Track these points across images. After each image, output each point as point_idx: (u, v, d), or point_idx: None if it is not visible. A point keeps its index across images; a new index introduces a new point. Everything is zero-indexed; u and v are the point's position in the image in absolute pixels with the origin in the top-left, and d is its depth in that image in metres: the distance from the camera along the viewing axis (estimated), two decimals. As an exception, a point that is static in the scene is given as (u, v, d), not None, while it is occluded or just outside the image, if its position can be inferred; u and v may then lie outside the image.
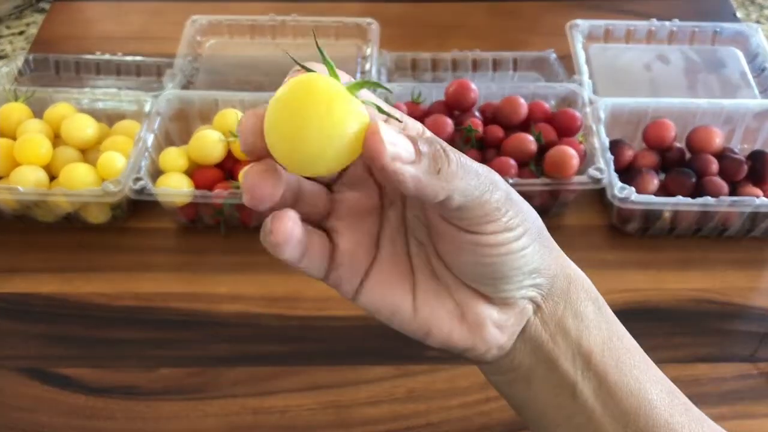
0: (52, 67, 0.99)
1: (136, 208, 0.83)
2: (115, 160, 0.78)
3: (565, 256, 0.42)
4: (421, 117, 0.85)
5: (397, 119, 0.38)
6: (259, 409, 0.66)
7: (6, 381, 0.68)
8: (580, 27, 1.00)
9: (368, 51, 0.98)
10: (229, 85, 0.97)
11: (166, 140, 0.85)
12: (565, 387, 0.41)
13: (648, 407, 0.41)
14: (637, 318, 0.74)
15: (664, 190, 0.81)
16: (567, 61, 0.97)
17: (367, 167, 0.40)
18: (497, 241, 0.37)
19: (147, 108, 0.85)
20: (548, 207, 0.83)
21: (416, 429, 0.65)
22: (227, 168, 0.82)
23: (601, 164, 0.79)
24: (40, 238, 0.81)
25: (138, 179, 0.76)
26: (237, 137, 0.80)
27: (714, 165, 0.81)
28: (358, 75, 0.99)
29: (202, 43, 1.03)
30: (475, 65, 0.99)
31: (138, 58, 0.98)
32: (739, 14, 1.16)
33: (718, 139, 0.83)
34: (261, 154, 0.34)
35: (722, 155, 0.83)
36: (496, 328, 0.40)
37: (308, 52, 1.04)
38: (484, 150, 0.82)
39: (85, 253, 0.78)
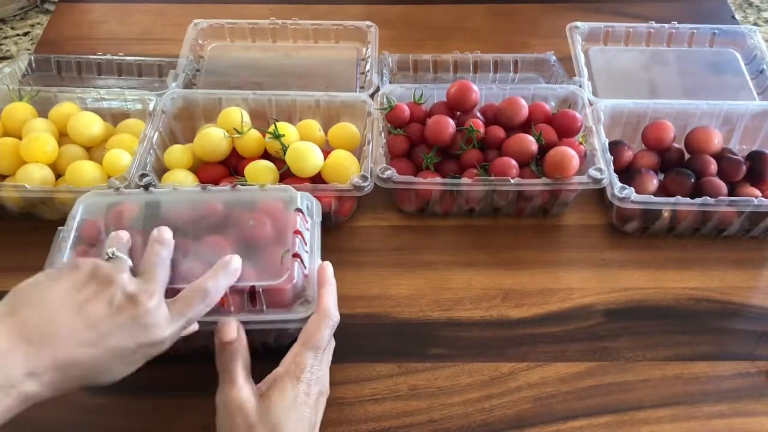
0: (54, 67, 1.00)
1: (141, 207, 0.83)
2: (121, 157, 0.79)
3: None
4: (422, 117, 0.86)
5: None
6: (263, 405, 0.67)
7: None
8: (579, 29, 1.00)
9: (367, 53, 0.99)
10: (230, 86, 0.98)
11: (171, 138, 0.86)
12: None
13: None
14: (637, 317, 0.75)
15: (663, 191, 0.82)
16: (567, 63, 0.98)
17: None
18: None
19: (151, 107, 0.86)
20: (549, 207, 0.84)
21: (418, 426, 0.66)
22: (232, 165, 0.83)
23: (601, 164, 0.79)
24: (46, 237, 0.81)
25: (144, 175, 0.77)
26: (241, 134, 0.82)
27: (713, 165, 0.82)
28: (358, 76, 1.00)
29: (204, 46, 1.03)
30: (476, 67, 1.00)
31: (139, 58, 0.99)
32: (737, 17, 1.17)
33: (716, 140, 0.84)
34: None
35: (721, 156, 0.84)
36: None
37: (309, 53, 1.05)
38: (485, 150, 0.83)
39: (90, 252, 0.79)
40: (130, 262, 0.58)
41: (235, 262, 0.60)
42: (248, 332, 0.62)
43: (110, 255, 0.58)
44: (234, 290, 0.63)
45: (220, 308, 0.63)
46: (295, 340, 0.62)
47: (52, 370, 0.50)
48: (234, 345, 0.59)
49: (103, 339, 0.52)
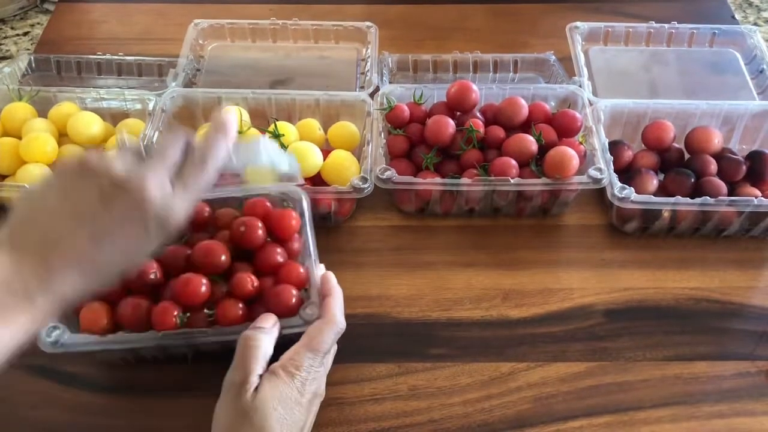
0: (54, 67, 1.00)
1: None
2: (120, 158, 0.79)
3: None
4: (422, 117, 0.86)
5: None
6: (263, 405, 0.67)
7: (13, 378, 0.68)
8: (579, 29, 1.00)
9: (367, 54, 0.99)
10: (230, 86, 0.98)
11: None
12: None
13: None
14: (637, 317, 0.75)
15: (663, 190, 0.82)
16: (567, 63, 0.97)
17: None
18: None
19: (151, 107, 0.86)
20: (548, 207, 0.84)
21: (418, 426, 0.66)
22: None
23: (601, 164, 0.79)
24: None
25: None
26: (240, 134, 0.82)
27: (713, 165, 0.82)
28: (358, 76, 1.00)
29: (204, 46, 1.03)
30: (476, 67, 1.00)
31: (139, 58, 0.99)
32: (737, 16, 1.17)
33: (716, 140, 0.84)
34: None
35: (721, 156, 0.83)
36: None
37: (309, 54, 1.05)
38: (485, 150, 0.83)
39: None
40: (136, 149, 0.55)
41: (227, 114, 0.57)
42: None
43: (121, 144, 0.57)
44: (238, 297, 0.64)
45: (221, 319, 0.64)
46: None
47: (66, 272, 0.49)
48: (259, 335, 0.60)
49: (106, 230, 0.50)
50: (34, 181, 0.78)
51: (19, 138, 0.82)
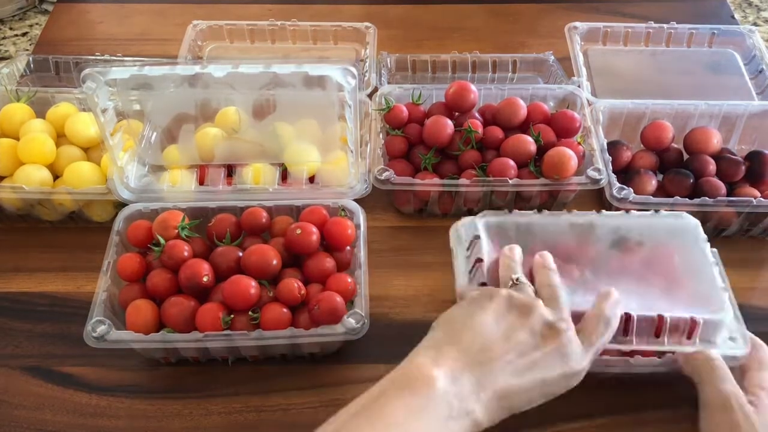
0: (52, 67, 0.99)
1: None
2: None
3: None
4: (421, 118, 0.86)
5: None
6: (261, 407, 0.67)
7: (10, 379, 0.69)
8: (578, 29, 1.00)
9: (366, 54, 0.99)
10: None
11: (169, 138, 0.86)
12: None
13: None
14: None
15: (662, 191, 0.82)
16: (566, 63, 0.97)
17: None
18: None
19: (149, 106, 0.85)
20: (547, 207, 0.83)
21: (417, 427, 0.66)
22: (229, 165, 0.82)
23: (600, 165, 0.79)
24: (43, 238, 0.81)
25: (142, 176, 0.77)
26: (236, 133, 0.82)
27: (711, 166, 0.82)
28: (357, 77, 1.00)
29: (203, 47, 1.03)
30: (475, 67, 1.00)
31: (138, 59, 0.99)
32: (736, 16, 1.17)
33: (715, 140, 0.84)
34: None
35: (720, 156, 0.83)
36: None
37: (307, 55, 1.05)
38: (483, 151, 0.83)
39: (88, 253, 0.78)
40: (533, 287, 0.58)
41: (614, 291, 0.59)
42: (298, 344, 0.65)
43: (515, 281, 0.58)
44: (284, 302, 0.66)
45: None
46: (340, 349, 0.66)
47: (492, 397, 0.51)
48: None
49: (530, 369, 0.52)
50: (32, 182, 0.77)
51: (17, 139, 0.82)
